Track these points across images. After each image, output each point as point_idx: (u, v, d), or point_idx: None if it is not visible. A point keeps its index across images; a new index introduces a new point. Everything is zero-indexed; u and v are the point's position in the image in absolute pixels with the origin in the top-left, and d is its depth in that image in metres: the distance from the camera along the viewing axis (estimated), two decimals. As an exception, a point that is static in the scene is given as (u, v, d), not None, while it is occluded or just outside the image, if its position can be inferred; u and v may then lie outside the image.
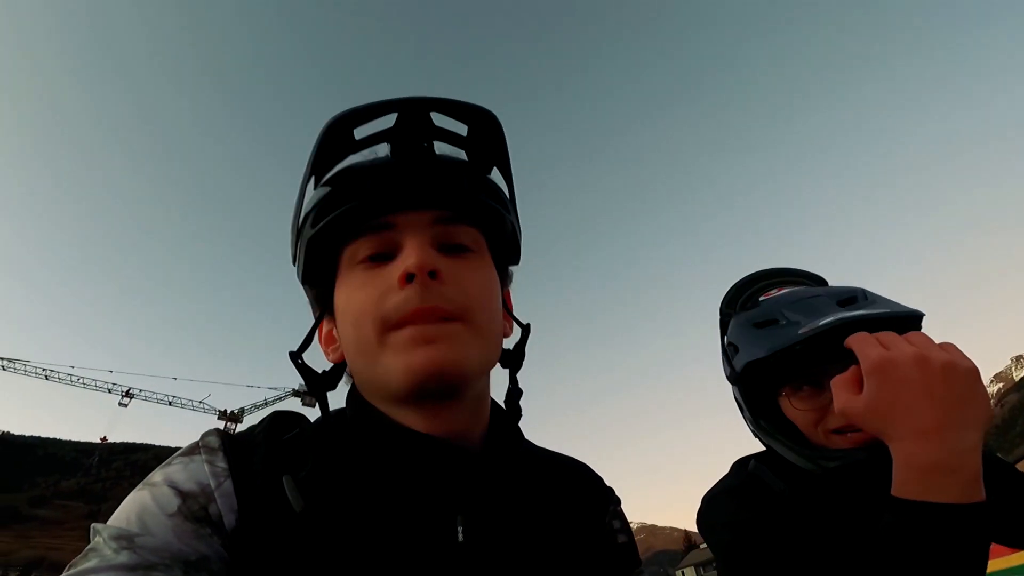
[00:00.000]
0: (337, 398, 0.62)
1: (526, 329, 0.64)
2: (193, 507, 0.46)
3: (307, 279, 0.59)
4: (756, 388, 0.92)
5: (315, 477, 0.50)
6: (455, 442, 0.54)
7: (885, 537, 0.62)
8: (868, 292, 0.85)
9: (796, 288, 0.93)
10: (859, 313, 0.78)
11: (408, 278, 0.50)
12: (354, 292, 0.54)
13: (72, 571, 0.41)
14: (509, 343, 0.63)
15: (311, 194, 0.57)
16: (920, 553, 0.59)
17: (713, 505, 0.94)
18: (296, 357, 0.56)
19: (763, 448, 0.95)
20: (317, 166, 0.54)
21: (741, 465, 0.99)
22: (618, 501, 0.67)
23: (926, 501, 0.59)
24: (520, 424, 0.62)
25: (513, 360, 0.62)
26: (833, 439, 0.82)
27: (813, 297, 0.85)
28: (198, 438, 0.53)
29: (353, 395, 0.59)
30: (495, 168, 0.60)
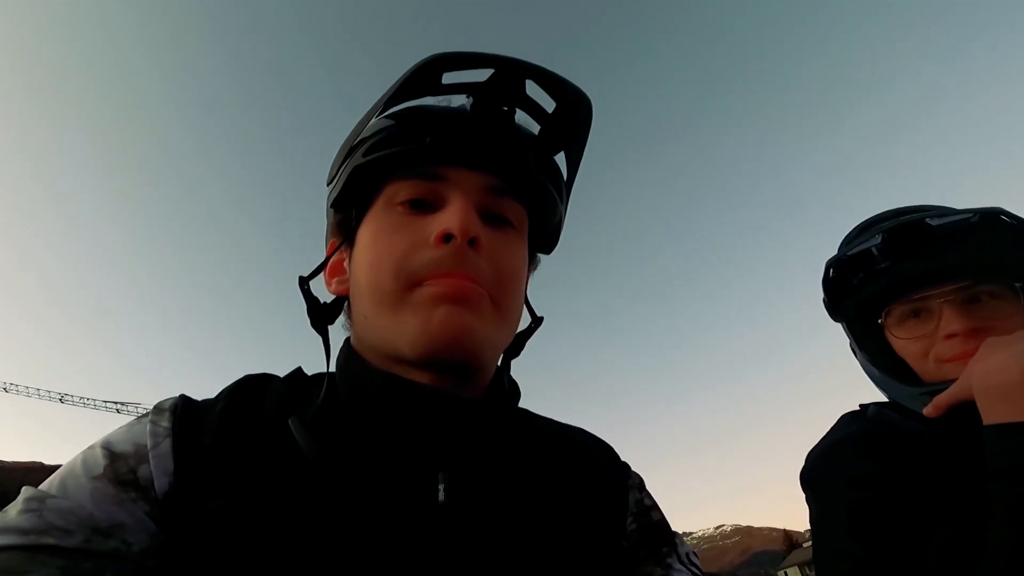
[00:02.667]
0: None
1: (538, 321, 0.61)
2: (121, 469, 0.42)
3: (338, 203, 0.56)
4: (861, 323, 0.84)
5: (319, 421, 0.47)
6: (448, 392, 0.48)
7: (990, 472, 0.59)
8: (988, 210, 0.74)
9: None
10: (915, 216, 0.74)
11: (445, 238, 0.48)
12: (383, 233, 0.51)
13: None
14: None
15: (374, 122, 0.54)
16: (1014, 477, 0.57)
17: (830, 457, 0.80)
18: (304, 283, 0.54)
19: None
20: (394, 98, 0.51)
21: (856, 415, 0.86)
22: (639, 477, 0.61)
23: (1012, 422, 0.59)
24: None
25: (513, 348, 0.60)
26: (946, 369, 0.73)
27: (911, 214, 0.78)
28: None
29: (346, 345, 0.56)
30: (563, 152, 0.58)
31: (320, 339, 0.55)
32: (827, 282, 0.87)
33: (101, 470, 0.42)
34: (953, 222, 0.72)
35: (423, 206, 0.51)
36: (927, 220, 0.73)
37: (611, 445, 0.63)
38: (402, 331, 0.47)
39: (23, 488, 0.42)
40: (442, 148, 0.51)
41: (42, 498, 0.40)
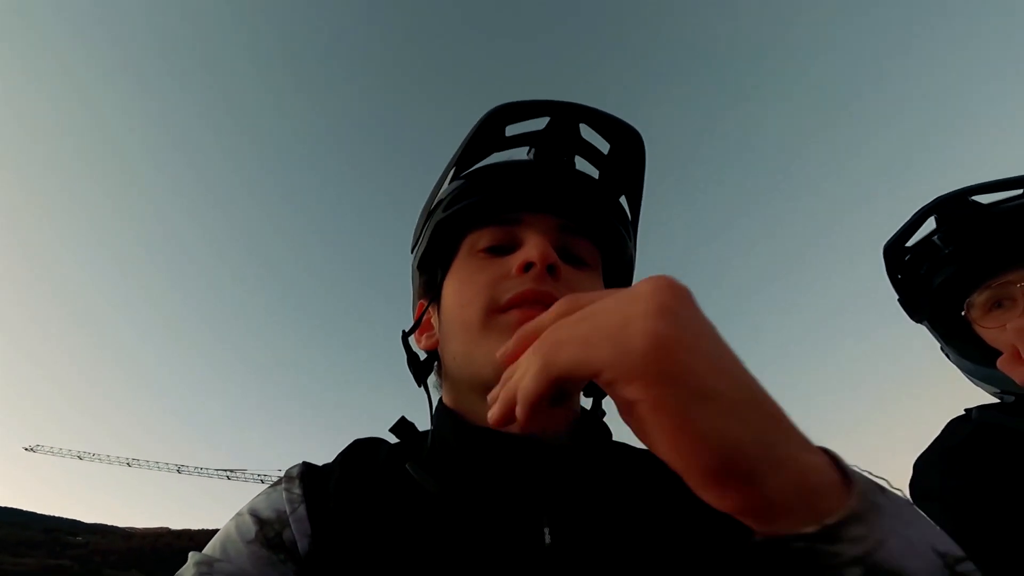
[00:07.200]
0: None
1: None
2: (269, 533, 0.48)
3: (423, 263, 0.60)
4: (943, 321, 0.81)
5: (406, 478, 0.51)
6: (539, 439, 0.51)
7: None
8: None
9: None
10: (957, 192, 0.70)
11: (526, 267, 0.51)
12: (468, 277, 0.55)
13: None
14: None
15: (449, 183, 0.59)
16: None
17: (922, 471, 0.78)
18: (405, 338, 0.59)
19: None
20: (464, 159, 0.57)
21: (961, 420, 0.83)
22: None
23: None
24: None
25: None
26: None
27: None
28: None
29: (440, 404, 0.59)
30: (624, 193, 0.62)
31: (407, 398, 0.60)
32: (894, 279, 0.85)
33: (253, 535, 0.48)
34: (1013, 202, 0.70)
35: (502, 251, 0.55)
36: (971, 197, 0.72)
37: None
38: (487, 357, 0.49)
39: (191, 553, 0.48)
40: (514, 195, 0.56)
41: (210, 562, 0.46)
